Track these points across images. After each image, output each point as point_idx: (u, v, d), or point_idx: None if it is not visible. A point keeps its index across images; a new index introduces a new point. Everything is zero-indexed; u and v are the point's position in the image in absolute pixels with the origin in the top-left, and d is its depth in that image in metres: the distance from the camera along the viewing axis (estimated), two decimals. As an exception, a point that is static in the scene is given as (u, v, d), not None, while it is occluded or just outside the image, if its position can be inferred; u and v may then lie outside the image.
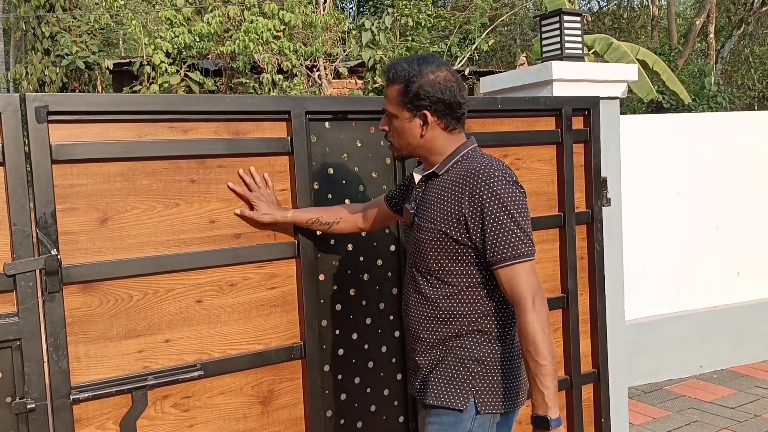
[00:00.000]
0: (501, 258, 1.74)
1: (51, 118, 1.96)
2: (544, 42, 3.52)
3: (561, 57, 3.40)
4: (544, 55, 3.51)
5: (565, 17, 3.40)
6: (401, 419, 2.66)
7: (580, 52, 3.45)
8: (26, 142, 1.92)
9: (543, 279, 2.95)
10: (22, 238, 1.93)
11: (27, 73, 11.04)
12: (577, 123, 3.04)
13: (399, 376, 2.65)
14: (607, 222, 3.16)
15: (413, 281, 1.93)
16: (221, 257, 2.26)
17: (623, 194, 3.59)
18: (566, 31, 3.43)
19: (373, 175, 2.58)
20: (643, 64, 8.60)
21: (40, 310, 1.97)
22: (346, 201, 2.51)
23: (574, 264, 2.98)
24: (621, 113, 3.45)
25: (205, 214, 2.24)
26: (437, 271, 1.85)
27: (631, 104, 11.70)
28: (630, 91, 8.62)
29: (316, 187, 2.45)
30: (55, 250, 1.95)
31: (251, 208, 2.28)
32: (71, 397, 2.00)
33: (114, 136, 2.08)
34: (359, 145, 2.54)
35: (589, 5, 21.58)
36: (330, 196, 2.49)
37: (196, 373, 2.18)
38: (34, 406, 1.94)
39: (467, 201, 1.78)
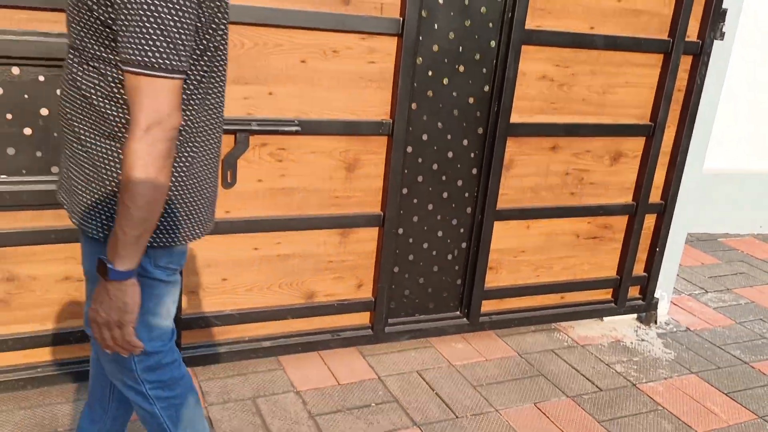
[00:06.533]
0: (125, 59, 1.23)
1: None
2: None
3: None
4: None
5: None
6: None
7: None
8: None
9: (635, 104, 2.93)
10: None
11: None
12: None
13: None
14: (715, 57, 3.03)
15: (67, 54, 1.42)
16: (327, 21, 2.30)
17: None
18: None
19: None
20: None
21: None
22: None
23: (670, 95, 2.92)
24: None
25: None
26: (82, 51, 1.35)
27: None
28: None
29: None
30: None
31: None
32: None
33: None
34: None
35: None
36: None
37: (293, 128, 2.34)
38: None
39: None
